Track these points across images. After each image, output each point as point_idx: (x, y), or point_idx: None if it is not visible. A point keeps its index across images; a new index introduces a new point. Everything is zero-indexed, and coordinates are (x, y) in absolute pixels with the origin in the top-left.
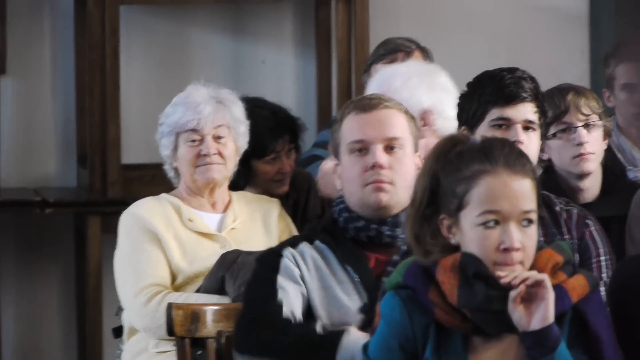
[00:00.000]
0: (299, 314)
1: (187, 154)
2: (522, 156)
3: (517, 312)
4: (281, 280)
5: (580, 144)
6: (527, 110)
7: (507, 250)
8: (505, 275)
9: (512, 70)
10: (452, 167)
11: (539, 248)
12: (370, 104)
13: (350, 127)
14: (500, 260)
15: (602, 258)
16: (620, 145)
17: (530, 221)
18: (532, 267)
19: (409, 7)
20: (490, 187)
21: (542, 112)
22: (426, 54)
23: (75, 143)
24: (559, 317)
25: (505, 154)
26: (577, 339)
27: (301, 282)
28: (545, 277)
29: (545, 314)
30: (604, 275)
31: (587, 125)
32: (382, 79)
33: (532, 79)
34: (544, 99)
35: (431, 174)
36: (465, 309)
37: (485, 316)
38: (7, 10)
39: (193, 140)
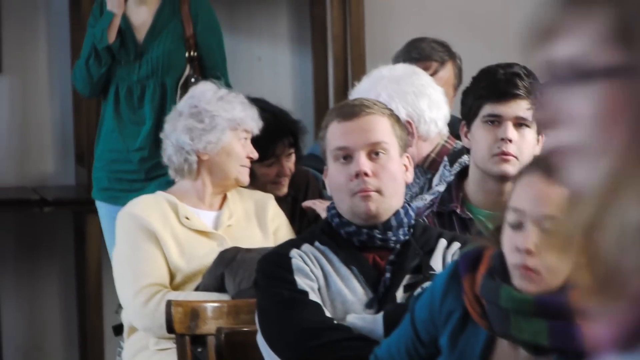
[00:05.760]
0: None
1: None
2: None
3: None
4: (298, 280)
5: None
6: (519, 107)
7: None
8: None
9: (508, 66)
10: None
11: None
12: (352, 112)
13: (333, 135)
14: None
15: None
16: None
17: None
18: None
19: (404, 3)
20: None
21: None
22: (458, 63)
23: (73, 141)
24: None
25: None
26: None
27: (313, 277)
28: None
29: None
30: None
31: None
32: None
33: (529, 75)
34: None
35: None
36: (482, 299)
37: (492, 308)
38: (2, 9)
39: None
